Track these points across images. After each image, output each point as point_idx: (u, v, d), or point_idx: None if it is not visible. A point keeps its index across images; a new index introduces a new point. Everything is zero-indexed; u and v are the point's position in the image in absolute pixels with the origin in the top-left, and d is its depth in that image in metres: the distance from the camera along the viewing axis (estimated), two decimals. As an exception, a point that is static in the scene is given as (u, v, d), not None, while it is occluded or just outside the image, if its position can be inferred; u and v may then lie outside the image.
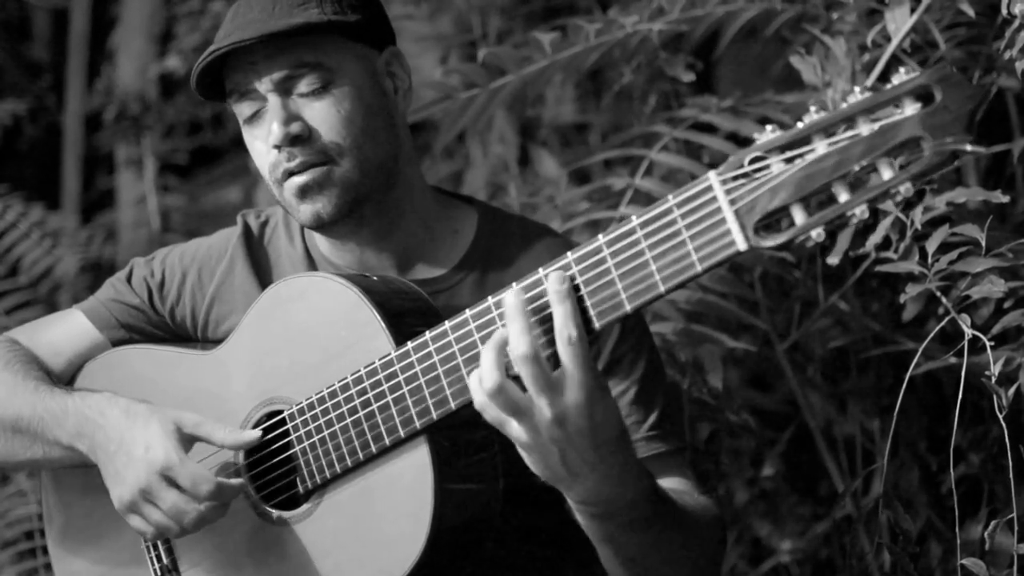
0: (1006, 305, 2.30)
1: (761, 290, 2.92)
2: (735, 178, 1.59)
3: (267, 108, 2.05)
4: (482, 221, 2.19)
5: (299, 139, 2.03)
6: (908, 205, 2.31)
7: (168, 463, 1.99)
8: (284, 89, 2.04)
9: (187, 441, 2.03)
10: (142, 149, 5.15)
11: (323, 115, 2.04)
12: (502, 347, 1.69)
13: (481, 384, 1.68)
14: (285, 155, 2.04)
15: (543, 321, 1.71)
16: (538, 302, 1.71)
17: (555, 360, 1.68)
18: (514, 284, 1.75)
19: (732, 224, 1.59)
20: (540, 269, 1.73)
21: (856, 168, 1.53)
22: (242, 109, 2.09)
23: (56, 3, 6.24)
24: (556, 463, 1.71)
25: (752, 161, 1.57)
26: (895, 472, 2.81)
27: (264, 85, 2.04)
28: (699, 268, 1.62)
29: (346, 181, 2.05)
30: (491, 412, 1.70)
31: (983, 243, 2.23)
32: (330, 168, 2.04)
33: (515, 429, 1.70)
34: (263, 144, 2.07)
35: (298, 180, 2.04)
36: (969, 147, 1.49)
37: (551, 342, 1.69)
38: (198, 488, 1.98)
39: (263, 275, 2.22)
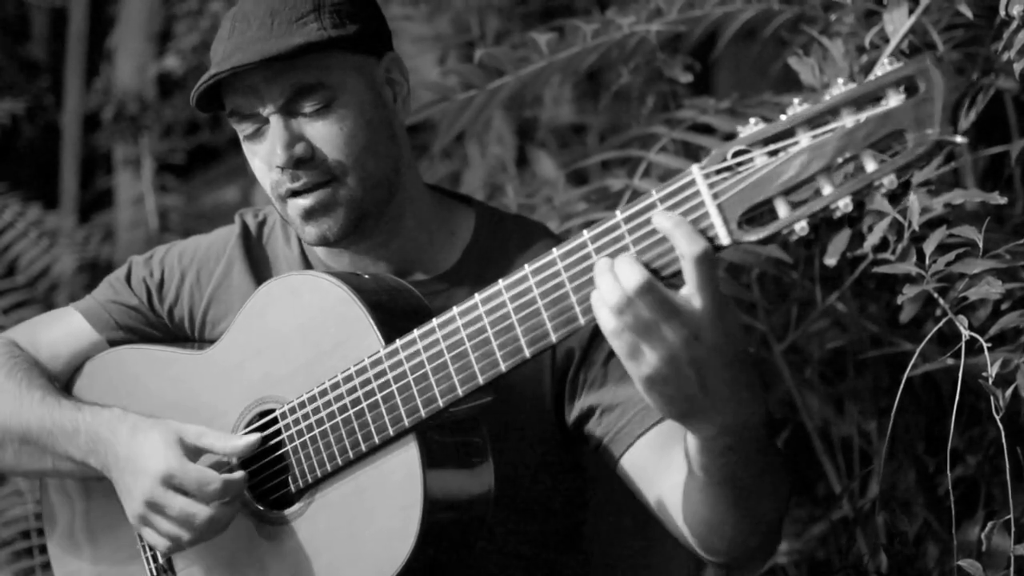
0: (1003, 307, 2.29)
1: (759, 291, 2.91)
2: (718, 171, 1.58)
3: (268, 127, 2.02)
4: (479, 222, 2.17)
5: (302, 161, 2.01)
6: (895, 199, 2.29)
7: (169, 470, 1.99)
8: (287, 111, 2.01)
9: (192, 452, 2.01)
10: (140, 149, 5.16)
11: (325, 134, 2.01)
12: (614, 267, 1.61)
13: (606, 303, 1.60)
14: (288, 176, 2.02)
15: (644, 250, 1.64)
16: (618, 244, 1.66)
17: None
18: (500, 281, 1.75)
19: (715, 218, 1.58)
20: (526, 266, 1.72)
21: (840, 160, 1.52)
22: (243, 128, 2.05)
23: (54, 2, 6.24)
24: (695, 389, 1.61)
25: (736, 154, 1.57)
26: (892, 473, 2.80)
27: (266, 109, 2.01)
28: None
29: (351, 200, 2.03)
30: (625, 338, 1.60)
31: (980, 244, 2.22)
32: (334, 188, 2.02)
33: (648, 356, 1.60)
34: (264, 162, 2.05)
35: (303, 203, 2.02)
36: (956, 138, 1.48)
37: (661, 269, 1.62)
38: (204, 489, 1.97)
39: (261, 276, 2.20)
